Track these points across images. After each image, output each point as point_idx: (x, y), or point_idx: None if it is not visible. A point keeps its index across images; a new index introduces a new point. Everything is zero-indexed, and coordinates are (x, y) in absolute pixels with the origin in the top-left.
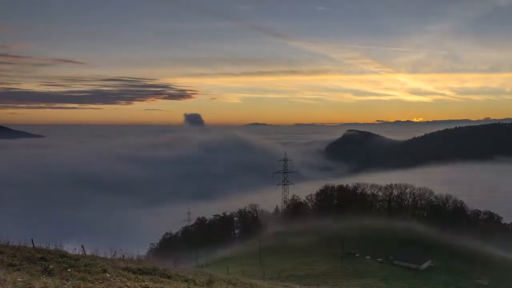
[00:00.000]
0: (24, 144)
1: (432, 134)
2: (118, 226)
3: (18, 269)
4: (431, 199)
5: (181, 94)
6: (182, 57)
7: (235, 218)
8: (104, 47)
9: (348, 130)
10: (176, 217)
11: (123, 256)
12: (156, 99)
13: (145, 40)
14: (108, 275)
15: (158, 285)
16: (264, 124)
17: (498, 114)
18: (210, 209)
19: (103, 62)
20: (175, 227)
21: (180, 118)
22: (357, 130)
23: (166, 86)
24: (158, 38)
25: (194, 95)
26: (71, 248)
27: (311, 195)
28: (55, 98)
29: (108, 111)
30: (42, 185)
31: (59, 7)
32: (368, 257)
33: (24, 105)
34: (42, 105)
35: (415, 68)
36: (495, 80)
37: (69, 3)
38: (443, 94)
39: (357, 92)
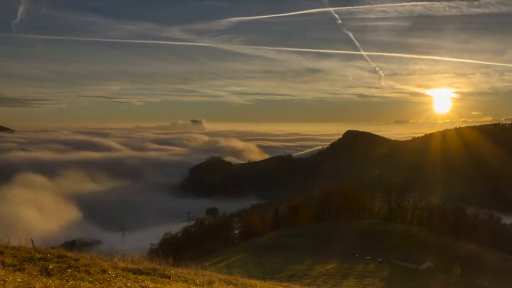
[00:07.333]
0: None
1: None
2: None
3: (19, 270)
4: (430, 200)
5: None
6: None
7: (235, 218)
8: None
9: (349, 130)
10: None
11: (122, 256)
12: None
13: None
14: (107, 275)
15: (158, 285)
16: (264, 124)
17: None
18: None
19: None
20: (175, 227)
21: None
22: (358, 130)
23: None
24: None
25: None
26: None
27: (311, 195)
28: None
29: None
30: None
31: None
32: (368, 257)
33: None
34: None
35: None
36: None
37: None
38: (442, 95)
39: (358, 94)
